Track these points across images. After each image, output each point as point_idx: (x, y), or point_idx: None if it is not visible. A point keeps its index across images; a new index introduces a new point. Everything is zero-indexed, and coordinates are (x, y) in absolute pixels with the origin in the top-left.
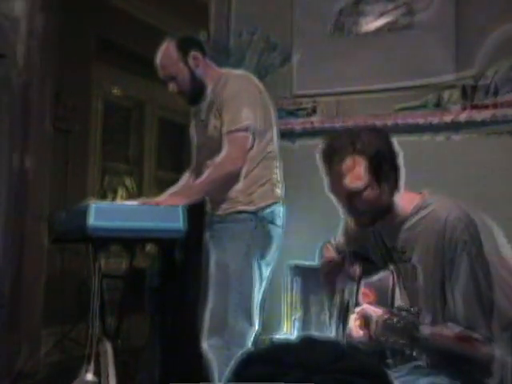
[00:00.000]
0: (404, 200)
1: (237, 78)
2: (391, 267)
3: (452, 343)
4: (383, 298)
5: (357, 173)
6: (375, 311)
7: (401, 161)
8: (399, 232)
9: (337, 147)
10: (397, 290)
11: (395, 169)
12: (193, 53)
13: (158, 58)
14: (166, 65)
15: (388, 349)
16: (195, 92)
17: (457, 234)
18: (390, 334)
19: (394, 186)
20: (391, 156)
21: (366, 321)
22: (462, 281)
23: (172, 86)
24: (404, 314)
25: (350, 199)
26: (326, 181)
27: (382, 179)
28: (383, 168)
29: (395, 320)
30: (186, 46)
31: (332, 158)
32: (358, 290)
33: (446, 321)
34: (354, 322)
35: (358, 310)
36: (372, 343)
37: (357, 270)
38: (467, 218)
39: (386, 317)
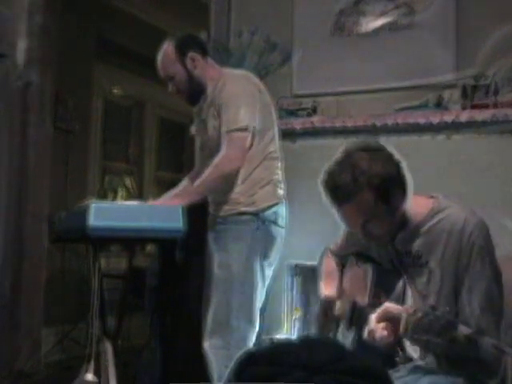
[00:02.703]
0: (416, 205)
1: (236, 79)
2: (402, 271)
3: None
4: (393, 301)
5: (367, 206)
6: (401, 310)
7: (405, 169)
8: (415, 237)
9: (340, 185)
10: (408, 294)
11: (402, 182)
12: (190, 54)
13: (158, 58)
14: (165, 65)
15: (416, 346)
16: (194, 92)
17: (473, 239)
18: (425, 333)
19: (404, 198)
20: (396, 173)
21: (391, 320)
22: (476, 286)
23: (171, 86)
24: (439, 313)
25: (366, 229)
26: (335, 215)
27: (391, 199)
28: (391, 190)
29: (431, 319)
30: (184, 47)
31: (337, 196)
32: (370, 291)
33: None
34: (374, 323)
35: (379, 310)
36: (395, 343)
37: (368, 271)
38: (483, 224)
39: (419, 315)
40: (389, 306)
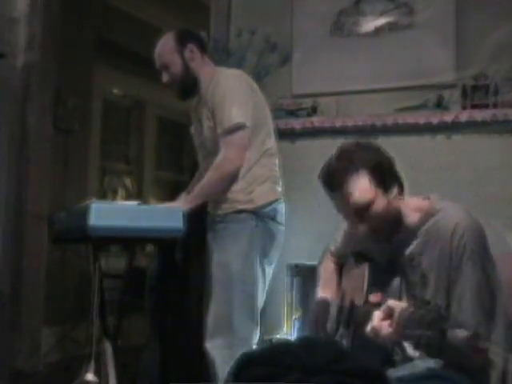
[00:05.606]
0: (412, 208)
1: (228, 78)
2: (399, 271)
3: (462, 346)
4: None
5: (362, 187)
6: (398, 304)
7: (399, 169)
8: (410, 240)
9: (333, 172)
10: (404, 293)
11: (396, 177)
12: (190, 45)
13: (157, 47)
14: (162, 53)
15: (409, 342)
16: (187, 85)
17: (464, 243)
18: (417, 326)
19: (399, 194)
20: (389, 165)
21: (388, 314)
22: (467, 290)
23: (165, 76)
24: (430, 307)
25: (360, 217)
26: (332, 205)
27: (386, 189)
28: (385, 178)
29: (422, 312)
30: (184, 37)
31: (334, 179)
32: (367, 291)
33: (450, 327)
34: (379, 320)
35: (383, 307)
36: (395, 337)
37: (364, 270)
38: (475, 226)
39: (411, 309)
40: (392, 303)
